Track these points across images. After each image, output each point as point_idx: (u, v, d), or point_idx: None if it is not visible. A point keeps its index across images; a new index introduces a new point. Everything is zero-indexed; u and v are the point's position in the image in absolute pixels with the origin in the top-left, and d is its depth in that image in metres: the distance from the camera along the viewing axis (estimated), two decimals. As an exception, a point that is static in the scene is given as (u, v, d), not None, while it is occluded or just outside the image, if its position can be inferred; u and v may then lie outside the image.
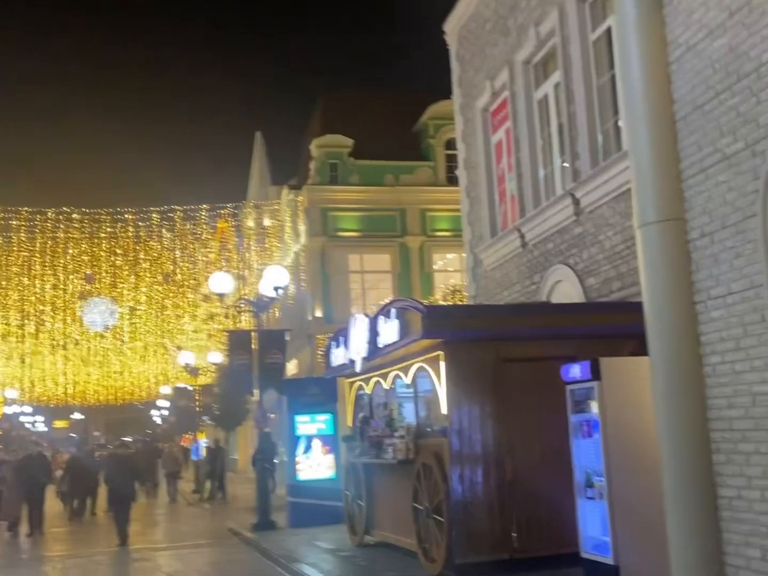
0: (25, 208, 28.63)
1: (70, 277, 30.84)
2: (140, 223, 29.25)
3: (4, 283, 30.63)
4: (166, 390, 44.93)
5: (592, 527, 7.88)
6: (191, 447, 35.62)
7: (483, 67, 14.90)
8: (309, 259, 26.93)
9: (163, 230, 29.43)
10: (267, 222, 30.80)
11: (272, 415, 21.24)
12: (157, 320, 33.57)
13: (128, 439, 53.29)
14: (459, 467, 8.99)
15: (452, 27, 16.16)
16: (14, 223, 28.52)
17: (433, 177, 27.84)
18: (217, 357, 28.20)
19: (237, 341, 17.34)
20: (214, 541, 15.58)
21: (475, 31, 15.21)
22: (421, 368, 9.82)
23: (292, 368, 27.09)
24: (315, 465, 15.61)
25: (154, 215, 28.93)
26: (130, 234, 29.60)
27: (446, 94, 18.20)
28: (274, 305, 21.25)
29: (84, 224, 29.03)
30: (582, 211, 11.61)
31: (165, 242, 30.04)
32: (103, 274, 31.05)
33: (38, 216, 28.81)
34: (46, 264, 30.19)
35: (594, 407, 7.73)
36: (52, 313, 32.10)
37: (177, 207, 29.10)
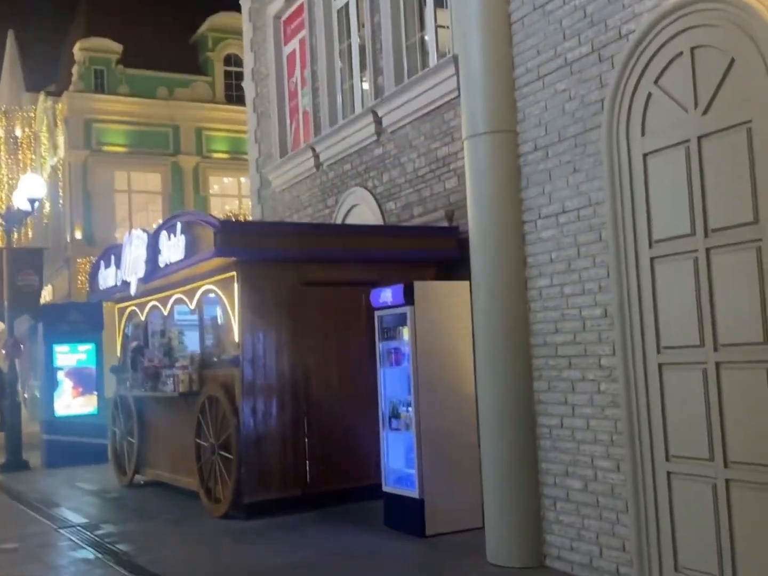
0: None
1: None
2: None
3: None
4: None
5: (396, 460, 7.44)
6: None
7: (278, -31, 13.72)
8: (69, 174, 24.34)
9: None
10: (19, 132, 27.50)
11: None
12: None
13: None
14: (251, 399, 8.18)
15: None
16: None
17: (211, 93, 26.11)
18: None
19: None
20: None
21: (271, -72, 13.94)
22: (209, 291, 8.81)
23: (46, 295, 24.60)
24: (67, 403, 14.02)
25: None
26: None
27: (230, 4, 16.77)
28: (27, 222, 18.94)
29: None
30: (384, 131, 10.98)
31: None
32: None
33: None
34: None
35: (405, 334, 7.20)
36: None
37: None
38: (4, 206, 19.60)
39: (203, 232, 8.12)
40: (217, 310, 9.07)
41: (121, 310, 11.61)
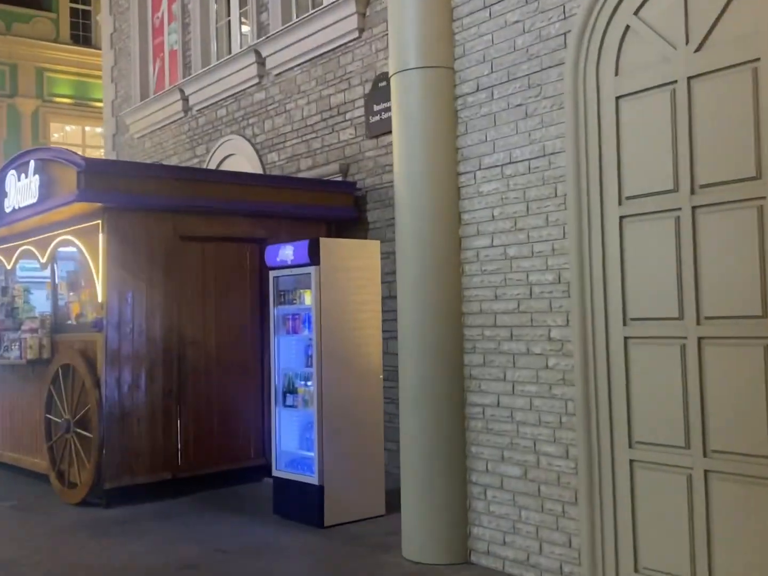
0: None
1: None
2: None
3: None
4: None
5: (289, 441, 6.57)
6: None
7: None
8: None
9: None
10: None
11: None
12: None
13: None
14: (116, 369, 7.04)
15: None
16: None
17: (55, 32, 23.67)
18: None
19: None
20: None
21: None
22: (66, 242, 7.52)
23: None
24: None
25: None
26: None
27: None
28: None
29: None
30: (268, 73, 9.94)
31: None
32: None
33: None
34: None
35: (306, 298, 6.31)
36: None
37: None
38: None
39: (63, 173, 6.85)
40: (76, 266, 7.80)
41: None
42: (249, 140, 10.22)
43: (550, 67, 4.67)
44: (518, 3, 4.86)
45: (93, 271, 7.06)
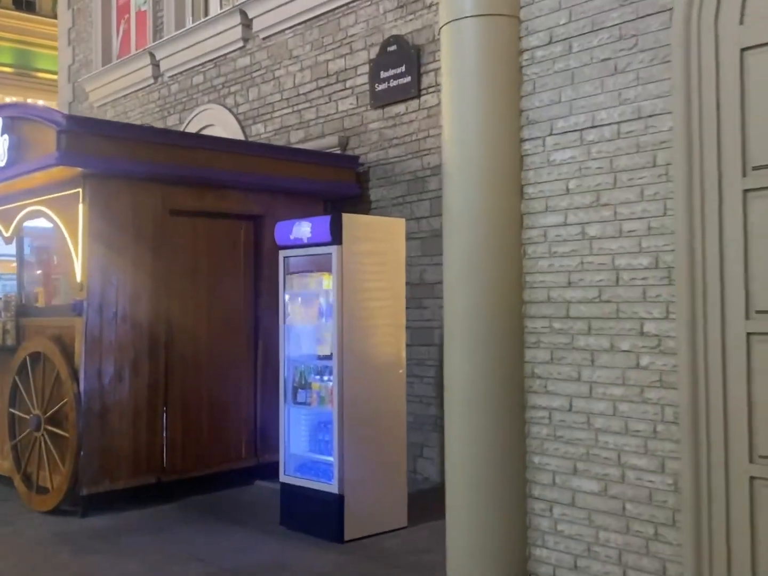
0: None
1: None
2: None
3: None
4: None
5: (298, 443, 5.81)
6: None
7: None
8: None
9: None
10: None
11: None
12: None
13: None
14: (97, 360, 6.16)
15: None
16: None
17: (-4, -5, 22.21)
18: None
19: None
20: None
21: None
22: (36, 213, 6.58)
23: None
24: None
25: None
26: None
27: None
28: None
29: None
30: (254, 36, 9.08)
31: None
32: None
33: None
34: None
35: (324, 281, 5.54)
36: None
37: None
38: None
39: (39, 132, 5.91)
40: (49, 241, 6.87)
41: None
42: (230, 110, 9.34)
43: (649, 14, 3.99)
44: (607, -60, 4.17)
45: (71, 247, 6.15)
